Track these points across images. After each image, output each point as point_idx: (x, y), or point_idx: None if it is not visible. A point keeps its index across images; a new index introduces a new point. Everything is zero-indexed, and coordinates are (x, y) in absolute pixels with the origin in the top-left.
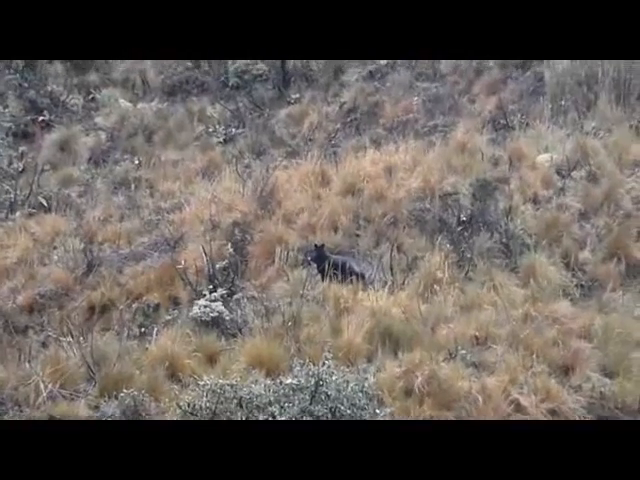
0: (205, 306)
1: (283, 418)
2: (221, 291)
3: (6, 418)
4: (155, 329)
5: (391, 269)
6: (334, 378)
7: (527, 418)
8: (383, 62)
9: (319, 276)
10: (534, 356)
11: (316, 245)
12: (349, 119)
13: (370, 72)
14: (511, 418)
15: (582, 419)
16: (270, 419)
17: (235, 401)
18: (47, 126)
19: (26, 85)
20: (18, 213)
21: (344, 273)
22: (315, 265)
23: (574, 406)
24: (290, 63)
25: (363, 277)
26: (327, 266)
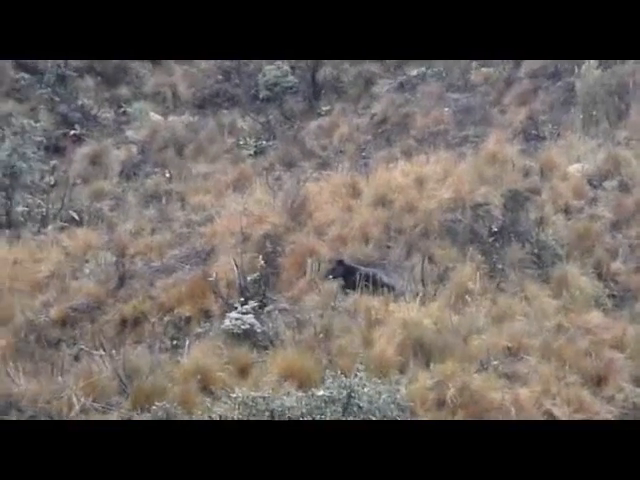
0: (237, 318)
1: None
2: (252, 303)
3: None
4: (187, 342)
5: (422, 280)
6: (366, 390)
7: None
8: (413, 73)
9: (350, 287)
10: (567, 367)
11: (338, 261)
12: (380, 130)
13: (400, 83)
14: None
15: (582, 419)
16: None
17: (267, 413)
18: (78, 140)
19: (57, 99)
20: (50, 227)
21: (374, 285)
22: (342, 280)
23: (607, 417)
24: (320, 75)
25: (393, 288)
26: (357, 279)
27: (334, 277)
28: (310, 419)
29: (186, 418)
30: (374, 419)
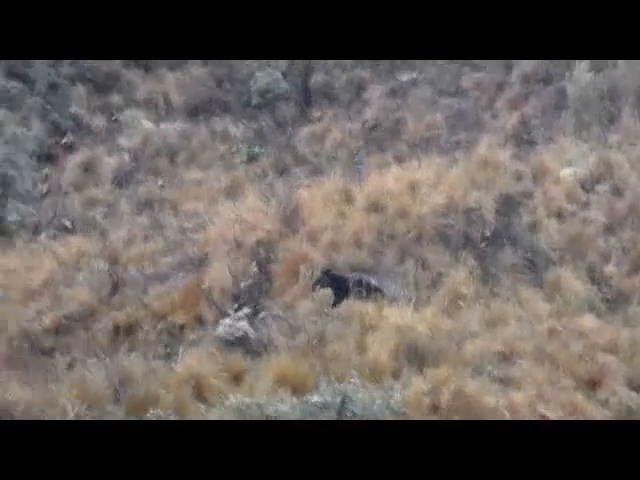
0: (230, 325)
1: None
2: (246, 310)
3: None
4: (181, 349)
5: (416, 285)
6: (360, 395)
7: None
8: (404, 78)
9: (339, 296)
10: (560, 371)
11: (325, 272)
12: (372, 136)
13: (392, 89)
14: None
15: (582, 419)
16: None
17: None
18: (70, 148)
19: (49, 107)
20: (43, 235)
21: (365, 290)
22: (331, 290)
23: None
24: (312, 81)
25: (382, 292)
26: (346, 287)
27: (321, 287)
28: None
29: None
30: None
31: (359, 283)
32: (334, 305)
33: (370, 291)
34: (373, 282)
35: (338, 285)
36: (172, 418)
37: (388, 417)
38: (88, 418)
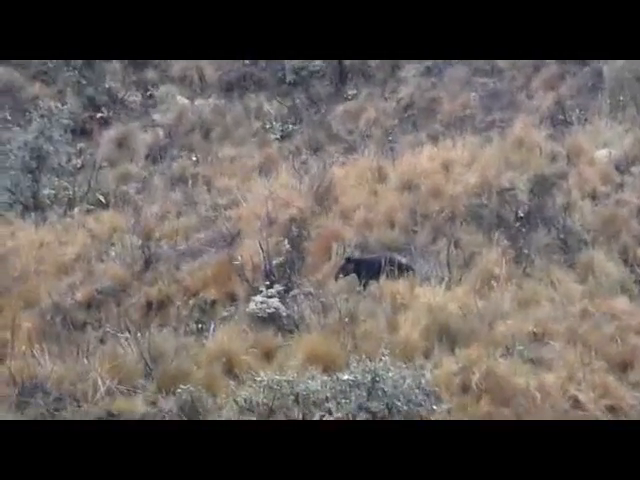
0: (262, 302)
1: (339, 414)
2: (278, 287)
3: (64, 414)
4: (212, 325)
5: (448, 265)
6: (390, 374)
7: (582, 416)
8: None
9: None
10: (592, 352)
11: (346, 259)
12: (406, 115)
13: (427, 68)
14: (569, 415)
15: (582, 419)
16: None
17: (292, 397)
18: (105, 123)
19: (84, 82)
20: (76, 209)
21: (397, 269)
22: (356, 276)
23: (633, 402)
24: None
25: (412, 269)
26: (377, 266)
27: (345, 276)
28: (333, 404)
29: (210, 401)
30: (398, 403)
31: (390, 262)
32: (364, 286)
33: (401, 270)
34: (404, 261)
35: (367, 266)
36: (203, 394)
37: (418, 396)
38: (119, 393)
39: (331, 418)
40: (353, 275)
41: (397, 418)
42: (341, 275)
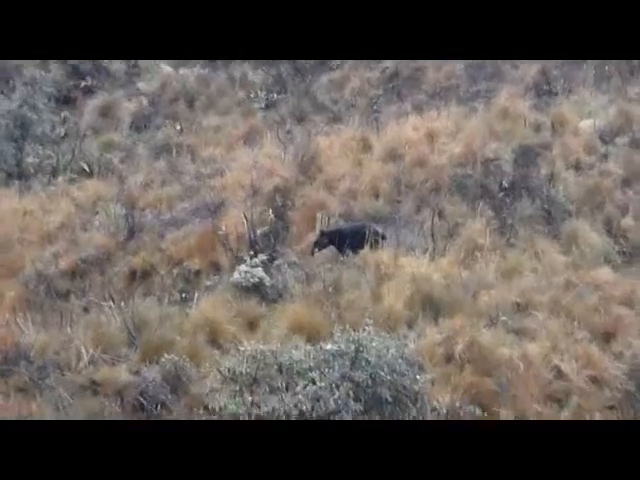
0: (246, 272)
1: (323, 384)
2: (262, 257)
3: (48, 382)
4: (196, 295)
5: (432, 235)
6: (374, 344)
7: (565, 386)
8: None
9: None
10: (575, 323)
11: (320, 233)
12: (391, 85)
13: None
14: (552, 384)
15: (582, 419)
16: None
17: (275, 367)
18: (89, 91)
19: None
20: (60, 178)
21: (366, 236)
22: (334, 248)
23: (615, 373)
24: None
25: (384, 237)
26: (343, 238)
27: (320, 250)
28: (316, 373)
29: (193, 371)
30: (382, 372)
31: (365, 232)
32: (342, 257)
33: (377, 240)
34: (372, 226)
35: (341, 236)
36: (187, 363)
37: (402, 366)
38: (102, 362)
39: (314, 388)
40: (331, 247)
41: (380, 388)
42: (317, 249)
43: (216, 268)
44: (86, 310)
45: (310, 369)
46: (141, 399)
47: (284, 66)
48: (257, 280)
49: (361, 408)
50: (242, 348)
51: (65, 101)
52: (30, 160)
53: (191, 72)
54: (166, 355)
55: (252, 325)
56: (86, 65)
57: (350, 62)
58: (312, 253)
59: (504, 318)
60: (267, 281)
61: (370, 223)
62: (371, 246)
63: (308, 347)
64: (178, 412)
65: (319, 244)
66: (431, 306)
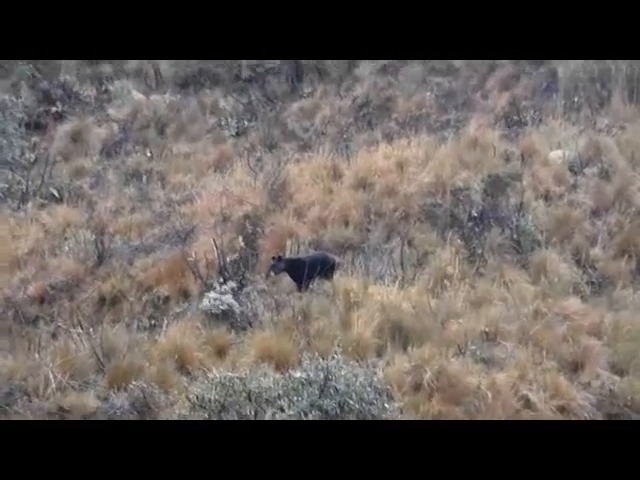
0: (215, 299)
1: (292, 412)
2: (231, 284)
3: (15, 408)
4: (165, 321)
5: (402, 264)
6: (343, 372)
7: (533, 416)
8: None
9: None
10: (544, 352)
11: (277, 257)
12: (361, 113)
13: (383, 66)
14: (520, 415)
15: (582, 419)
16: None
17: (244, 394)
18: (60, 117)
19: (39, 75)
20: (30, 204)
21: (326, 267)
22: (289, 275)
23: (583, 403)
24: None
25: (339, 265)
26: (303, 269)
27: (275, 274)
28: (285, 401)
29: (162, 397)
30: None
31: (323, 262)
32: (299, 287)
33: (334, 269)
34: (326, 256)
35: (297, 265)
36: (155, 390)
37: (371, 394)
38: (71, 388)
39: (283, 416)
40: (285, 275)
41: (349, 416)
42: (272, 273)
43: (185, 295)
44: (54, 336)
45: (279, 397)
46: None
47: (255, 94)
48: (226, 307)
49: None
50: (211, 375)
51: (35, 126)
52: None
53: (162, 98)
54: (134, 382)
55: (221, 352)
56: (56, 90)
57: (320, 90)
58: (267, 276)
59: (473, 347)
60: (236, 308)
61: (329, 253)
62: (327, 276)
63: (277, 375)
64: None
65: (275, 268)
66: (400, 334)
